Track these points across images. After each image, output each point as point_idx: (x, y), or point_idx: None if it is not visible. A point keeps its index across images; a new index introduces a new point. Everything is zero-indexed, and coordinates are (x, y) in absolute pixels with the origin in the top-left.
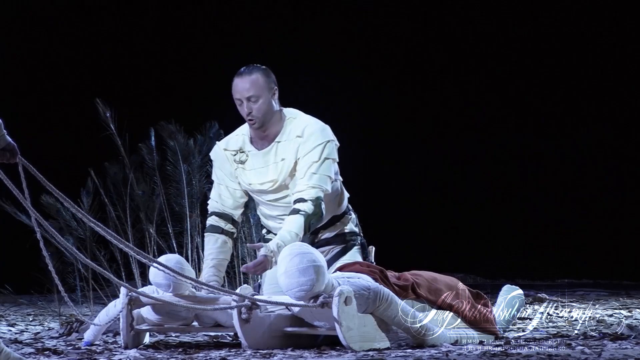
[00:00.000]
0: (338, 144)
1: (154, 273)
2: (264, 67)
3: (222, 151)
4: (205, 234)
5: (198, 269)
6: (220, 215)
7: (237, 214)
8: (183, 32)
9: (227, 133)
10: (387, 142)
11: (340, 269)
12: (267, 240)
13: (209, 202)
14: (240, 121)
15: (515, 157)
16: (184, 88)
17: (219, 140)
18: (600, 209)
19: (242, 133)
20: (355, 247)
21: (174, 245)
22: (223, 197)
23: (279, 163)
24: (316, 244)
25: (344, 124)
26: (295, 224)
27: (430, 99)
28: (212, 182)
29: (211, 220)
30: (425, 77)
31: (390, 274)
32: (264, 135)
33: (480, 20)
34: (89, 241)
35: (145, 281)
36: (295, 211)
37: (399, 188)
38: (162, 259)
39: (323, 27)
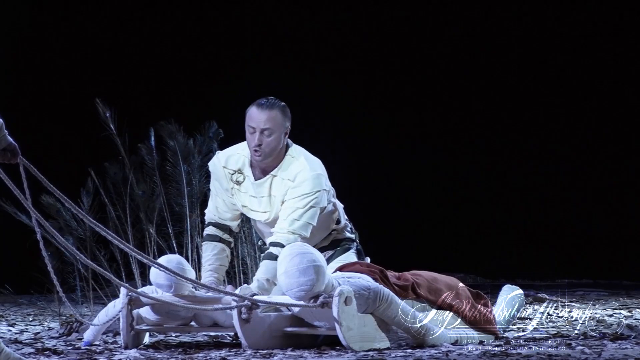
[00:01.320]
0: (329, 189)
1: (155, 274)
2: (283, 103)
3: (221, 167)
4: (203, 243)
5: (198, 269)
6: (217, 226)
7: (234, 225)
8: (183, 32)
9: (226, 133)
10: (386, 142)
11: (340, 269)
12: (263, 251)
13: (205, 211)
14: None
15: (516, 157)
16: (184, 88)
17: (218, 140)
18: (600, 209)
19: (244, 154)
20: (351, 250)
21: (174, 245)
22: (220, 209)
23: (270, 197)
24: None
25: (344, 123)
26: (270, 271)
27: (430, 98)
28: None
29: (208, 230)
30: (426, 76)
31: (390, 274)
32: (263, 165)
33: (480, 20)
34: (89, 241)
35: (146, 281)
36: (272, 257)
37: (399, 188)
38: (164, 259)
39: (321, 27)
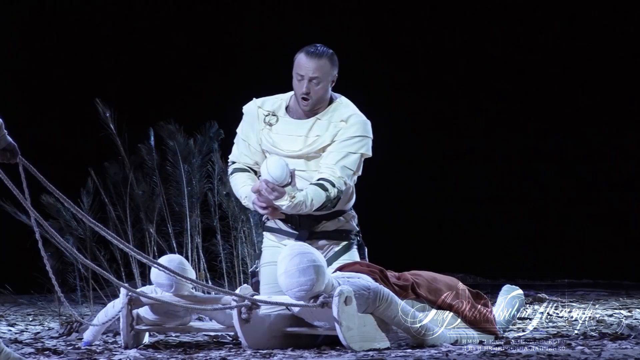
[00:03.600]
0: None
1: (155, 273)
2: (331, 51)
3: (255, 108)
4: (231, 176)
5: (198, 269)
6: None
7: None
8: (183, 32)
9: (226, 133)
10: (386, 141)
11: (340, 269)
12: (266, 229)
13: (230, 156)
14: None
15: (516, 157)
16: (184, 88)
17: (218, 140)
18: (601, 209)
19: (282, 99)
20: (354, 247)
21: (174, 245)
22: (244, 154)
23: (311, 138)
24: (315, 235)
25: None
26: (318, 197)
27: (431, 96)
28: (211, 183)
29: (235, 165)
30: (425, 74)
31: (390, 274)
32: (304, 112)
33: (482, 19)
34: (89, 241)
35: (146, 281)
36: (323, 188)
37: (399, 187)
38: (165, 259)
39: (322, 26)
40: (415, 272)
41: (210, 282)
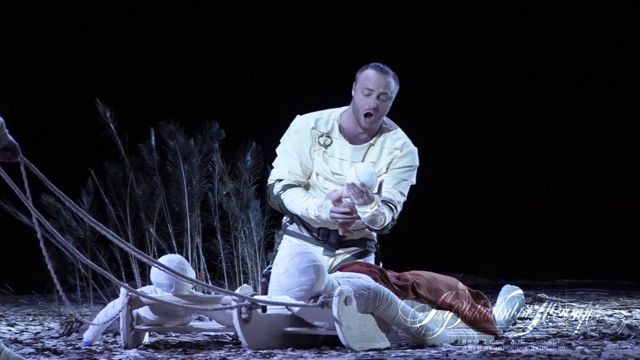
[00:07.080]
0: None
1: (155, 273)
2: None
3: (309, 128)
4: (284, 193)
5: (198, 268)
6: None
7: (306, 181)
8: (183, 32)
9: (227, 133)
10: None
11: (341, 269)
12: (287, 232)
13: (273, 172)
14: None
15: (516, 157)
16: (184, 88)
17: (218, 140)
18: (600, 209)
19: (333, 119)
20: (372, 255)
21: (174, 245)
22: (294, 171)
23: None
24: (342, 245)
25: None
26: (389, 216)
27: (431, 97)
28: (212, 183)
29: (284, 182)
30: (426, 74)
31: (390, 274)
32: (360, 132)
33: (485, 18)
34: (89, 241)
35: (146, 281)
36: (390, 209)
37: None
38: (165, 259)
39: (323, 26)
40: (415, 272)
41: (210, 282)
